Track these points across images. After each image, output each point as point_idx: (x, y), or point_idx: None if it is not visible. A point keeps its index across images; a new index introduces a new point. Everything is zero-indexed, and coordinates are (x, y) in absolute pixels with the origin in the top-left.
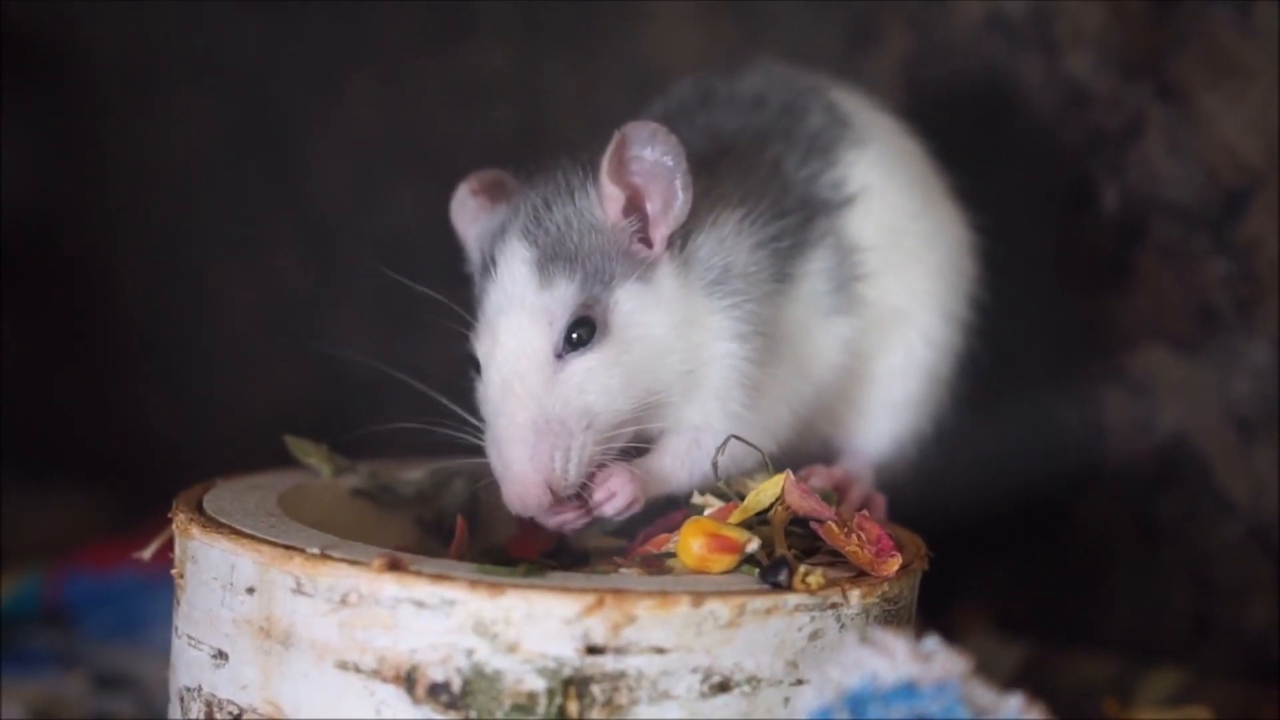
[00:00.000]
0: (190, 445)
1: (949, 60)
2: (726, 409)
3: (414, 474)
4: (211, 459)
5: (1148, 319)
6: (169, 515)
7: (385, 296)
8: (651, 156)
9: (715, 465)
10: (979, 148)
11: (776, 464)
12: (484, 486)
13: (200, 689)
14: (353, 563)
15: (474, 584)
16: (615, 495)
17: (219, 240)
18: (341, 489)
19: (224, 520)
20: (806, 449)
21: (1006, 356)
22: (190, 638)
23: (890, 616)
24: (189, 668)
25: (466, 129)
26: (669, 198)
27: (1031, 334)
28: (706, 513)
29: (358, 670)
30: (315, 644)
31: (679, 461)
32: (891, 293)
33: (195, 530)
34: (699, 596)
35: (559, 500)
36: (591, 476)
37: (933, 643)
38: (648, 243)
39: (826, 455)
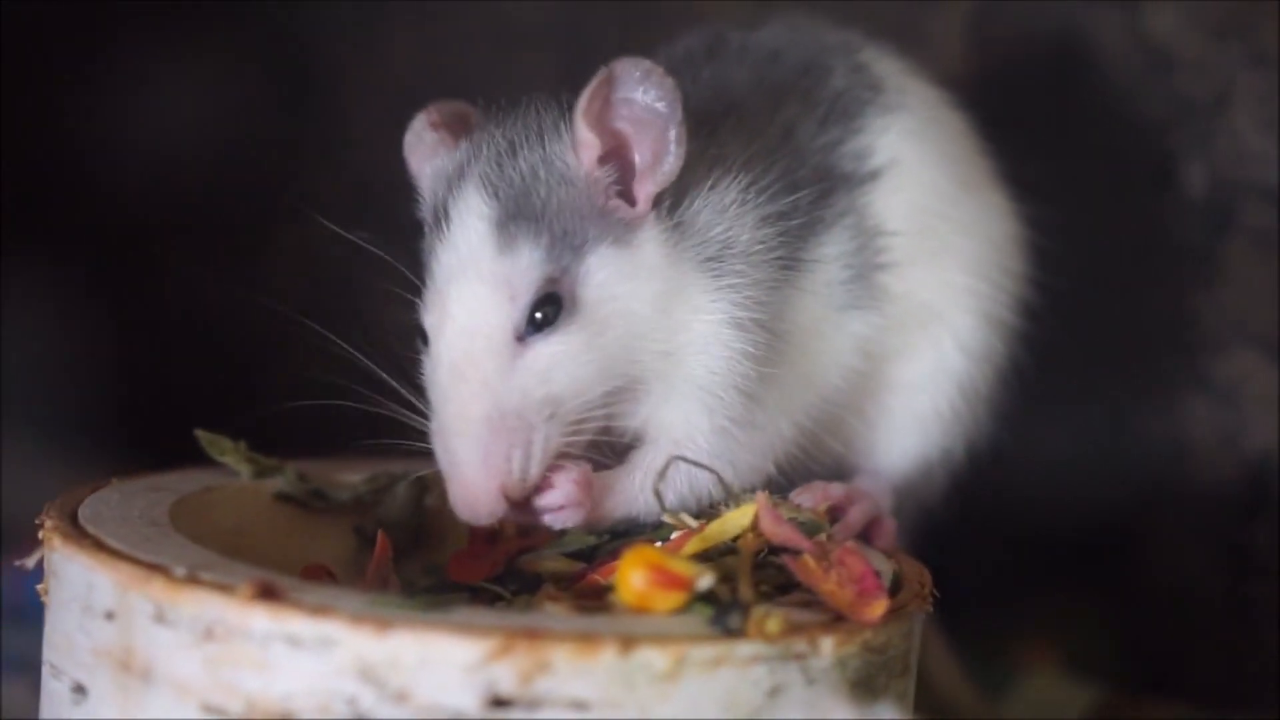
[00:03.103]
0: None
1: (1019, 17)
2: (714, 422)
3: (352, 477)
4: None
5: (1236, 318)
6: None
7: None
8: (643, 100)
9: (658, 494)
10: (1050, 119)
11: (773, 485)
12: (432, 492)
13: None
14: (219, 588)
15: (357, 619)
16: (553, 489)
17: (258, 200)
18: (264, 493)
19: (91, 530)
20: (816, 467)
21: (1075, 359)
22: (52, 666)
23: (876, 669)
24: (50, 702)
25: (507, 77)
26: (660, 150)
27: (1103, 333)
28: (675, 536)
29: (224, 715)
30: (177, 683)
31: (651, 481)
32: (920, 287)
33: (57, 541)
34: (629, 641)
35: (514, 505)
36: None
37: (887, 712)
38: (630, 200)
39: (840, 474)
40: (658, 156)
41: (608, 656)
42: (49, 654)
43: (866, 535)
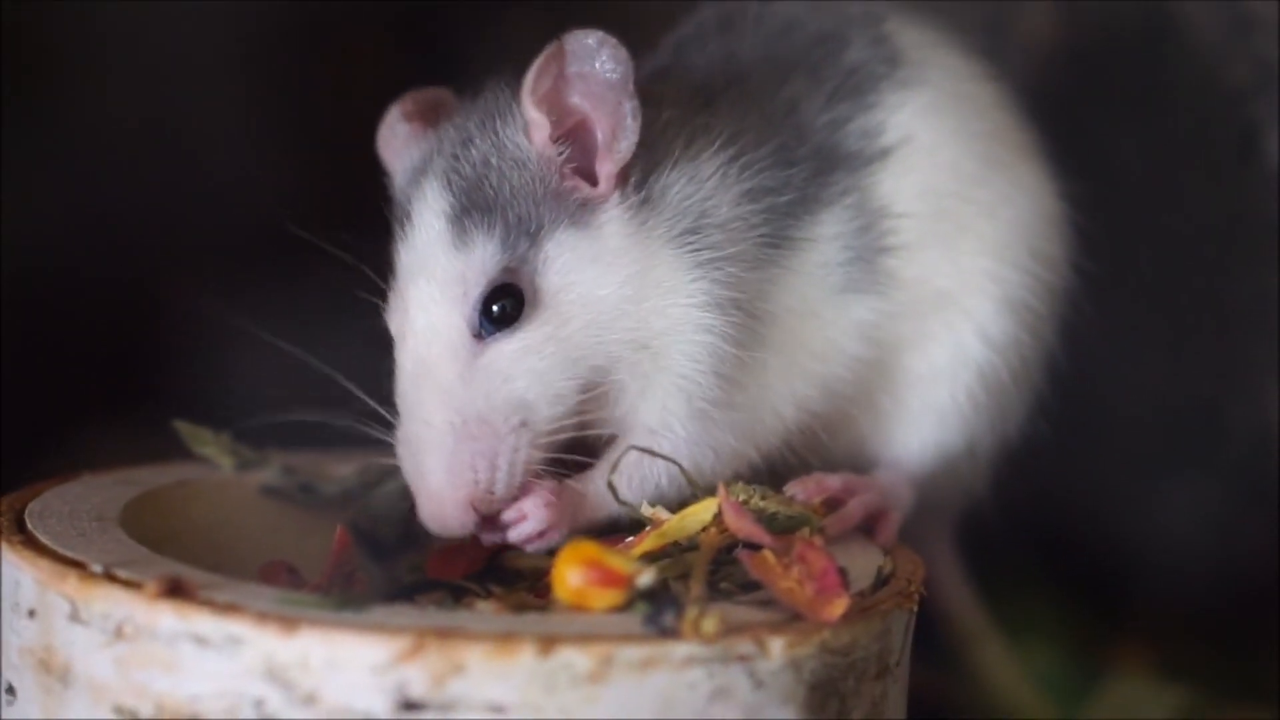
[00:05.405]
0: None
1: None
2: (693, 405)
3: (343, 470)
4: None
5: None
6: None
7: None
8: (600, 73)
9: (612, 487)
10: (1135, 85)
11: (762, 477)
12: None
13: None
14: (129, 586)
15: (263, 618)
16: (525, 519)
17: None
18: (249, 487)
19: (30, 526)
20: (831, 457)
21: (1155, 344)
22: None
23: (840, 671)
24: None
25: None
26: (618, 125)
27: (1185, 316)
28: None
29: (135, 717)
30: (93, 683)
31: (625, 478)
32: (934, 273)
33: None
34: (549, 642)
35: (486, 519)
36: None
37: None
38: (591, 180)
39: (857, 466)
40: (616, 132)
41: (526, 657)
42: None
43: (870, 528)
